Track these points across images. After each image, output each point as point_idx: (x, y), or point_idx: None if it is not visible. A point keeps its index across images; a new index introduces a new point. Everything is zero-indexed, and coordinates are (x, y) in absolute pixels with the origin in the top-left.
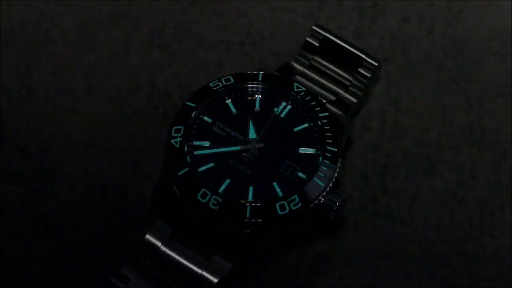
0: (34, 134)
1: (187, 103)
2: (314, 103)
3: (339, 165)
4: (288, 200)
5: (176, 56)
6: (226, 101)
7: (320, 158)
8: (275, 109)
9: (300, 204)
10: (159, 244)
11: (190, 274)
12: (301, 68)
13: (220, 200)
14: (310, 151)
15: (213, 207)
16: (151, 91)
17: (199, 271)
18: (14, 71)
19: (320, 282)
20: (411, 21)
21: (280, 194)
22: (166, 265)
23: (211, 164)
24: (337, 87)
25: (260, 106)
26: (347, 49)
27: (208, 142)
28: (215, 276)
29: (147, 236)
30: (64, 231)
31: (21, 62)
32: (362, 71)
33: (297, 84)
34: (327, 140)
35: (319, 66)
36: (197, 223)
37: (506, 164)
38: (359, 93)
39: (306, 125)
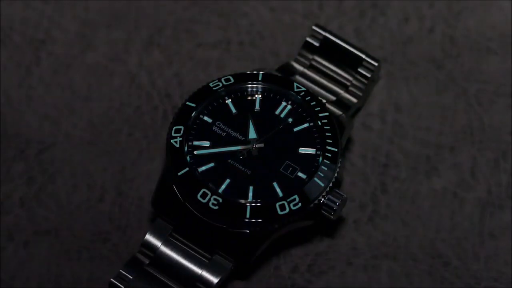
0: (34, 134)
1: (187, 103)
2: (314, 103)
3: (339, 165)
4: (288, 200)
5: (176, 56)
6: (226, 101)
7: (320, 158)
8: (289, 120)
9: (300, 204)
10: (159, 244)
11: (190, 274)
12: (301, 68)
13: (220, 200)
14: (310, 151)
15: (213, 207)
16: (151, 91)
17: (199, 271)
18: (14, 71)
19: (320, 282)
20: (411, 21)
21: (280, 194)
22: (166, 265)
23: (211, 164)
24: (337, 87)
25: (260, 106)
26: (347, 49)
27: (208, 142)
28: (215, 276)
29: (147, 236)
30: (64, 231)
31: (21, 62)
32: (362, 71)
33: (297, 84)
34: (327, 140)
35: (319, 66)
36: (197, 223)
37: (506, 164)
38: (359, 93)
39: (306, 125)
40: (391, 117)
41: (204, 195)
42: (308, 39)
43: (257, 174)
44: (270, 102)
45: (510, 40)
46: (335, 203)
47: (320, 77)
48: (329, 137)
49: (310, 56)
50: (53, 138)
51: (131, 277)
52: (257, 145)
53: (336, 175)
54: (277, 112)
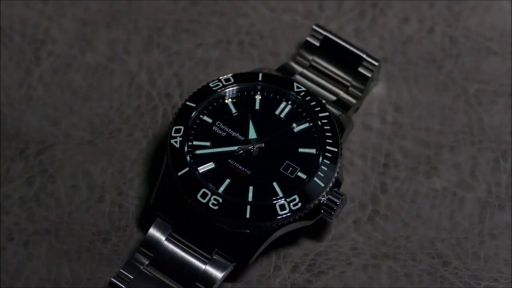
0: (34, 134)
1: (187, 103)
2: (314, 103)
3: (339, 165)
4: (288, 200)
5: (176, 56)
6: (226, 101)
7: (320, 158)
8: (293, 124)
9: (300, 204)
10: (159, 244)
11: (190, 274)
12: (301, 68)
13: (220, 200)
14: (310, 151)
15: (213, 207)
16: (151, 91)
17: (199, 271)
18: (14, 71)
19: (320, 282)
20: (411, 21)
21: (280, 194)
22: (166, 265)
23: (211, 164)
24: (337, 87)
25: (260, 106)
26: (347, 48)
27: (208, 142)
28: (215, 276)
29: (147, 236)
30: (64, 231)
31: (21, 62)
32: (362, 71)
33: (297, 84)
34: (327, 140)
35: (319, 66)
36: (197, 223)
37: (506, 164)
38: (359, 93)
39: (306, 125)
40: (391, 117)
41: (204, 195)
42: (308, 39)
43: (257, 174)
44: (270, 102)
45: (510, 40)
46: (335, 203)
47: (320, 77)
48: (329, 137)
49: (310, 56)
50: (53, 138)
51: (131, 277)
52: (257, 145)
53: (336, 175)
54: (277, 112)
